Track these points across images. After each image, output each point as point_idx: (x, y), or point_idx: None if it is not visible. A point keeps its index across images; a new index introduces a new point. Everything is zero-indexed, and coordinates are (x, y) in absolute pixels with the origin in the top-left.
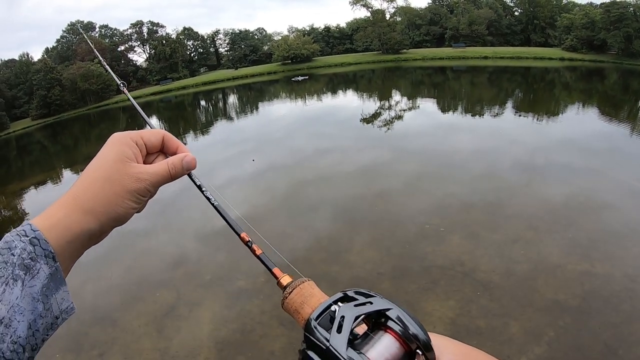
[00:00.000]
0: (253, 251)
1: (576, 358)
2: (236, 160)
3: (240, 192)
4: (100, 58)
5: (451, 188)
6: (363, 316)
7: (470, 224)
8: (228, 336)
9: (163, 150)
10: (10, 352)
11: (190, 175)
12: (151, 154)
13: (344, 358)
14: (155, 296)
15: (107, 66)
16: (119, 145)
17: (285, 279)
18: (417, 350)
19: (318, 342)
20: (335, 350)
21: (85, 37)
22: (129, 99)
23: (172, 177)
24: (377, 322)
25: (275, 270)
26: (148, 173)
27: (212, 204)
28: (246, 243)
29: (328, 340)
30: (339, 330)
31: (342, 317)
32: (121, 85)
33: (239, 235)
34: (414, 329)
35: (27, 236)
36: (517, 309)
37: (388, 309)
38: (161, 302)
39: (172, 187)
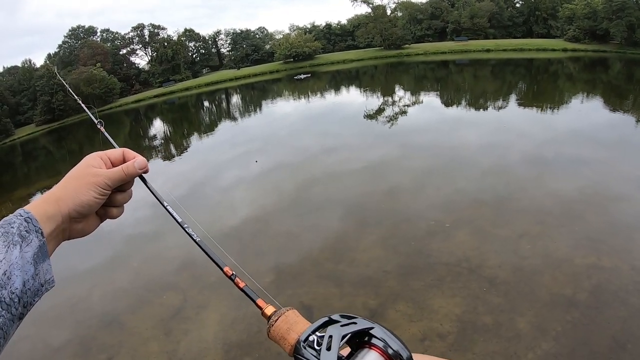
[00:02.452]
0: (236, 284)
1: (584, 353)
2: (242, 160)
3: (247, 193)
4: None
5: (456, 184)
6: (349, 335)
7: (476, 220)
8: (235, 338)
9: (125, 162)
10: (9, 299)
11: (167, 210)
12: (116, 166)
13: None
14: (162, 299)
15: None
16: (86, 159)
17: (269, 309)
18: None
19: None
20: None
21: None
22: (107, 137)
23: (126, 174)
24: (360, 341)
25: (259, 302)
26: (104, 171)
27: (195, 240)
28: (229, 277)
29: (318, 359)
30: (329, 348)
31: (330, 336)
32: (98, 124)
33: (222, 269)
34: (396, 345)
35: (22, 216)
36: (523, 304)
37: (371, 328)
38: (168, 305)
39: (179, 191)
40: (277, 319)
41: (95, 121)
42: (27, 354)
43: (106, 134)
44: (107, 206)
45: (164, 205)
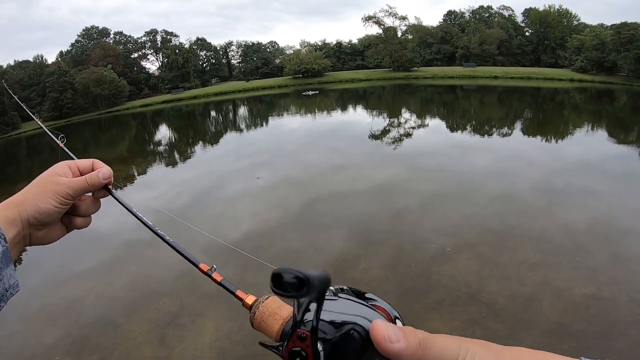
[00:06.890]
0: (214, 279)
1: None
2: (247, 173)
3: (250, 206)
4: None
5: (460, 208)
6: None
7: (478, 245)
8: (230, 348)
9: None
10: None
11: (137, 216)
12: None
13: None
14: (158, 304)
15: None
16: (53, 168)
17: (250, 299)
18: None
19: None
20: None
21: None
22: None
23: (89, 184)
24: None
25: (239, 293)
26: (67, 180)
27: (167, 242)
28: (205, 273)
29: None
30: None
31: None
32: (60, 139)
33: (197, 266)
34: (389, 305)
35: None
36: (521, 331)
37: (365, 292)
38: (164, 311)
39: (181, 200)
40: (259, 307)
41: (56, 138)
42: (18, 349)
43: (66, 149)
44: (73, 215)
45: (132, 212)
